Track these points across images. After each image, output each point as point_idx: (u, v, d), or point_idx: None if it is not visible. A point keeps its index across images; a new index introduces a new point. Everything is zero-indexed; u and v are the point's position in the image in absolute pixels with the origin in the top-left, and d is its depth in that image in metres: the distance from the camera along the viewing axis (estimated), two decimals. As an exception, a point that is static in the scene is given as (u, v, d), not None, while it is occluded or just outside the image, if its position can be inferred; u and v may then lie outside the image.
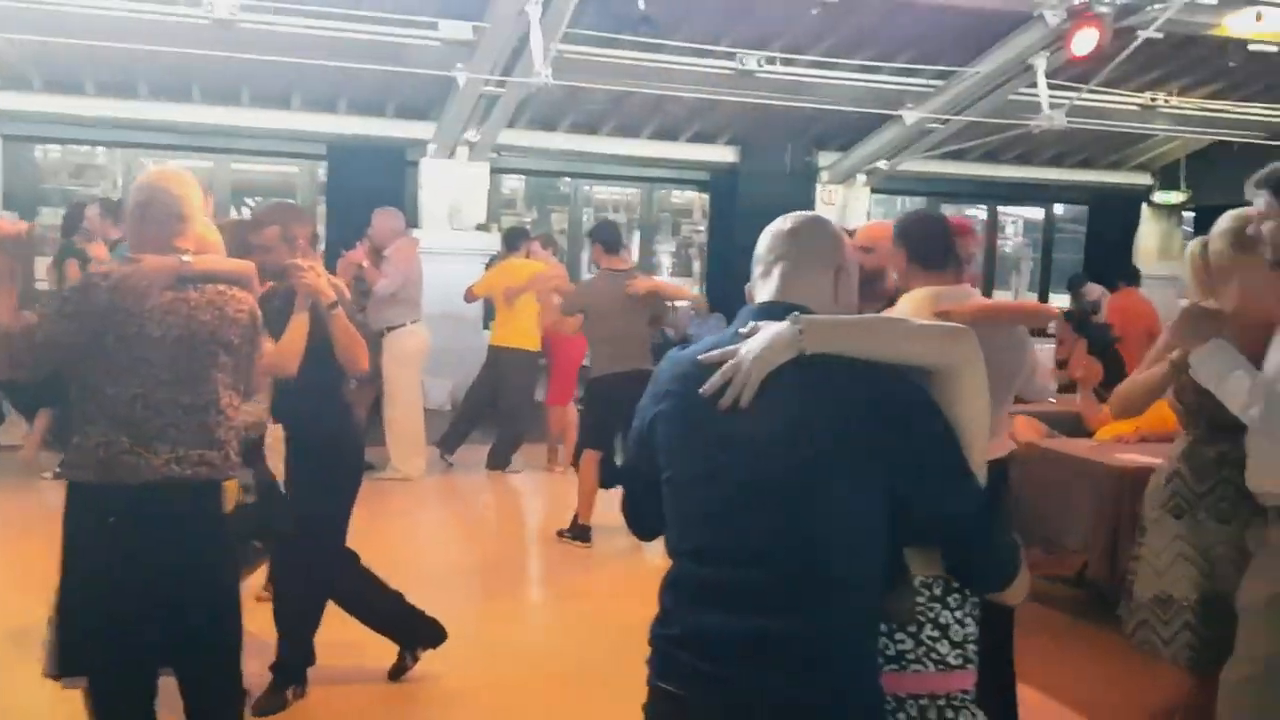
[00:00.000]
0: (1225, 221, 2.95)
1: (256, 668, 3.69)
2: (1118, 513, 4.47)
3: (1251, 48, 9.28)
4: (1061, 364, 8.74)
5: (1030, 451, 5.46)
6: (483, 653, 4.44)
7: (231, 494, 2.82)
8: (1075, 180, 12.48)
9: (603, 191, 14.38)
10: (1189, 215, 12.61)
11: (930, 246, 3.12)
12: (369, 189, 9.27)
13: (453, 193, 10.26)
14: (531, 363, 7.97)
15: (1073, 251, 13.34)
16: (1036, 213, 14.15)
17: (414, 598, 4.09)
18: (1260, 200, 2.65)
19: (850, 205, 11.46)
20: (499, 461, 7.93)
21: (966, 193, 13.39)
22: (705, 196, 12.70)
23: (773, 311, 1.75)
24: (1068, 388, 7.43)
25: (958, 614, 1.71)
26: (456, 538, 6.60)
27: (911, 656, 1.71)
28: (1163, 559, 2.96)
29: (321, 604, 3.91)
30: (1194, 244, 3.05)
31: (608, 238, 6.47)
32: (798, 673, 1.61)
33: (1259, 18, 8.66)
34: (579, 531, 6.05)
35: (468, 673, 4.22)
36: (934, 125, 10.38)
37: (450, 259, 10.13)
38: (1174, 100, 10.51)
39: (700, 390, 1.69)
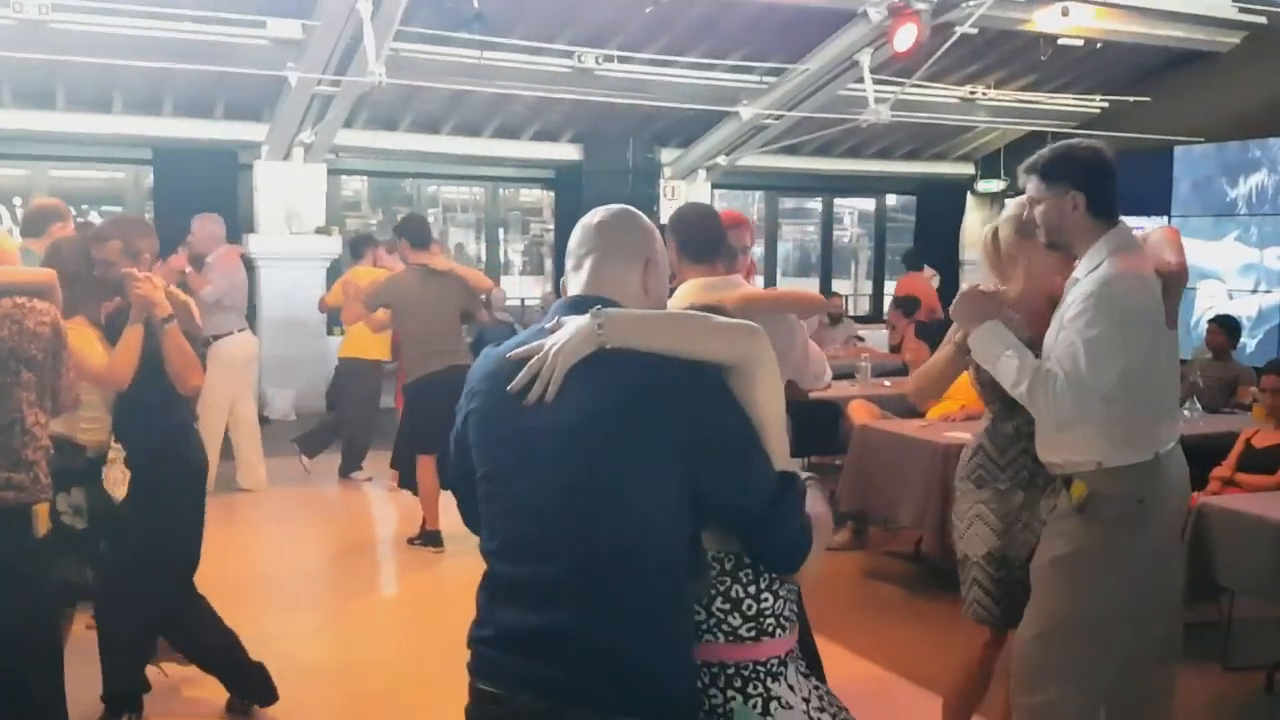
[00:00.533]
0: (1010, 208, 3.06)
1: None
2: (945, 488, 4.69)
3: (1060, 42, 9.84)
4: (894, 348, 9.15)
5: (866, 433, 5.71)
6: (329, 667, 4.37)
7: (42, 518, 2.69)
8: (903, 172, 12.99)
9: (450, 191, 14.25)
10: (1010, 202, 13.27)
11: (700, 238, 3.14)
12: (200, 193, 8.95)
13: (289, 196, 10.02)
14: (371, 371, 7.82)
15: (905, 239, 13.87)
16: (869, 203, 14.66)
17: (253, 611, 3.99)
18: (1030, 185, 2.78)
19: (693, 200, 11.66)
20: (347, 469, 7.81)
21: (803, 186, 13.80)
22: (552, 194, 12.74)
23: (581, 305, 1.75)
24: (901, 371, 7.78)
25: (750, 589, 1.76)
26: (299, 549, 6.44)
27: (704, 627, 1.76)
28: (963, 522, 3.08)
29: (150, 633, 3.73)
30: (987, 229, 3.15)
31: (413, 232, 6.20)
32: (600, 665, 1.63)
33: (1065, 13, 9.19)
34: (429, 537, 5.95)
35: (315, 691, 4.14)
36: (769, 121, 10.64)
37: (289, 264, 9.92)
38: (992, 93, 11.04)
39: (508, 387, 1.69)
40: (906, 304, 9.09)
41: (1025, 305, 2.87)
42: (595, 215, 1.89)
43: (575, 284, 1.85)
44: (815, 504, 1.79)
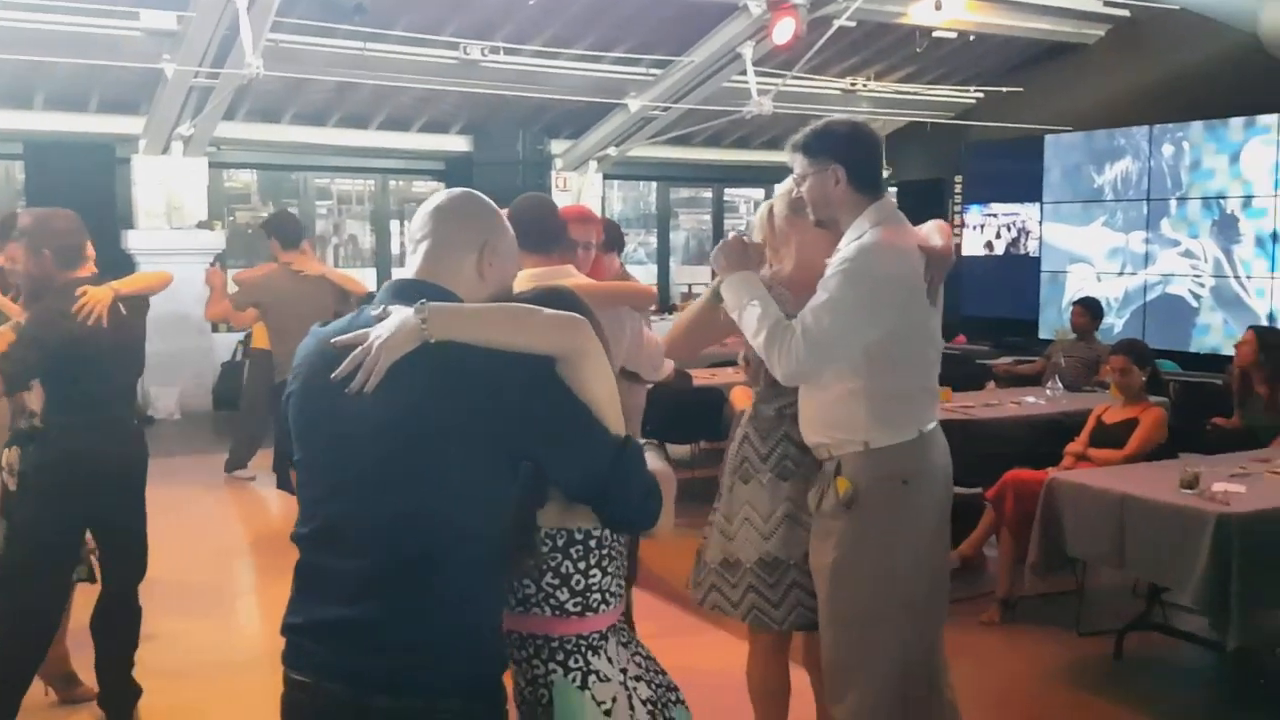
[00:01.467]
0: (784, 184, 3.00)
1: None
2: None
3: (935, 35, 10.16)
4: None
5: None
6: (202, 670, 4.33)
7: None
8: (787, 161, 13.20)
9: (344, 184, 14.07)
10: (892, 190, 13.64)
11: (534, 228, 3.12)
12: (74, 189, 8.66)
13: (169, 190, 9.80)
14: (268, 362, 7.70)
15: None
16: (759, 193, 14.90)
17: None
18: (796, 162, 2.76)
19: (585, 191, 11.74)
20: (234, 464, 7.69)
21: (693, 176, 13.95)
22: (443, 186, 12.67)
23: (408, 291, 1.74)
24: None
25: (580, 565, 1.82)
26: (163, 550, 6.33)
27: (532, 600, 1.82)
28: (733, 525, 2.93)
29: (34, 654, 3.46)
30: (763, 207, 3.07)
31: (282, 230, 6.01)
32: (407, 656, 1.65)
33: (938, 7, 9.47)
34: None
35: (181, 693, 4.10)
36: (657, 112, 10.76)
37: (171, 259, 9.68)
38: (872, 85, 11.33)
39: (331, 375, 1.68)
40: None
41: (797, 283, 2.83)
42: (434, 200, 1.87)
43: (408, 268, 1.83)
44: (655, 463, 1.85)
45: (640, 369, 3.42)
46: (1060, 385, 6.43)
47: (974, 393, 6.68)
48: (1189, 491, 3.97)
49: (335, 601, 1.66)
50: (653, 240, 14.63)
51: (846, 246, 2.69)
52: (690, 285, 14.23)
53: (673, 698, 1.90)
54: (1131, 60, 10.35)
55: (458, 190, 1.91)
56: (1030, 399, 6.24)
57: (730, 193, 15.34)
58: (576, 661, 1.81)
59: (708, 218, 15.09)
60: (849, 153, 2.73)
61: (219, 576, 5.82)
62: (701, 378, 7.34)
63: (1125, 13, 10.31)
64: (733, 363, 8.06)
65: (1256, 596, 3.71)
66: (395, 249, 12.76)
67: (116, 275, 3.66)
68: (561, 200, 6.24)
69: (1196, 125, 9.79)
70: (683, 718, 1.89)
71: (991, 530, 5.12)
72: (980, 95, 11.69)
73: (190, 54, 8.31)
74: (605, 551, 1.85)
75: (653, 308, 9.11)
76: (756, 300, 2.67)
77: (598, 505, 1.76)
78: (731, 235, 2.80)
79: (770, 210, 3.00)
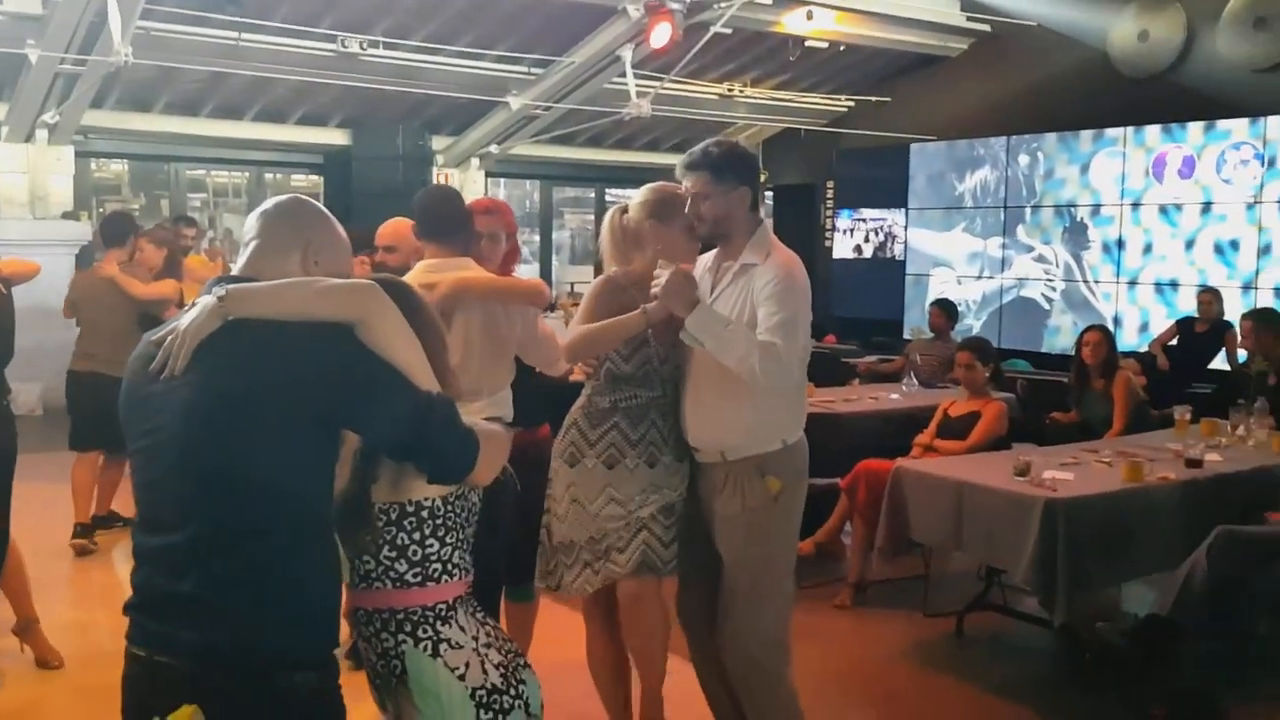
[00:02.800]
0: (645, 193, 3.15)
1: None
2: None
3: (808, 44, 10.48)
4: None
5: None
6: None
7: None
8: (671, 164, 13.30)
9: (221, 176, 13.75)
10: (769, 194, 14.00)
11: (433, 218, 3.23)
12: (-69, 175, 8.40)
13: (32, 179, 9.50)
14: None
15: (678, 229, 14.37)
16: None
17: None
18: (695, 179, 2.93)
19: (466, 188, 11.74)
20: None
21: (576, 176, 14.08)
22: (321, 179, 12.53)
23: (225, 284, 1.82)
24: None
25: (415, 535, 1.89)
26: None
27: (374, 575, 1.90)
28: (562, 506, 3.13)
29: None
30: (613, 211, 3.21)
31: (105, 229, 6.08)
32: (233, 627, 1.70)
33: (810, 16, 9.80)
34: (80, 530, 5.81)
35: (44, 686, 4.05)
36: (538, 111, 10.85)
37: (34, 250, 9.35)
38: (748, 91, 11.63)
39: (149, 368, 1.76)
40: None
41: (644, 283, 3.00)
42: (265, 204, 1.97)
43: (237, 267, 1.92)
44: (489, 425, 1.96)
45: (535, 363, 3.43)
46: (915, 382, 6.75)
47: (836, 389, 6.96)
48: (1021, 479, 4.25)
49: (162, 578, 1.74)
50: (536, 239, 14.70)
51: (767, 263, 2.92)
52: (573, 284, 14.35)
53: (521, 661, 1.99)
54: (991, 73, 10.86)
55: (287, 196, 2.01)
56: (887, 394, 6.54)
57: (613, 193, 15.50)
58: (426, 632, 1.89)
59: (591, 217, 15.23)
60: (753, 177, 3.02)
61: (70, 570, 5.71)
62: (576, 372, 7.46)
63: (986, 28, 10.79)
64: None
65: (1080, 576, 3.99)
66: (240, 262, 12.51)
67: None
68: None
69: (1050, 137, 10.34)
70: (531, 679, 1.98)
71: (846, 518, 5.37)
72: (851, 104, 12.09)
73: (56, 39, 8.09)
74: (440, 521, 1.92)
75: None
76: (732, 324, 2.87)
77: (414, 458, 1.83)
78: (672, 271, 2.90)
79: (621, 214, 3.18)
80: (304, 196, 2.02)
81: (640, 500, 3.06)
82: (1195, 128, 9.33)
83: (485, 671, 1.89)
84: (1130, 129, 9.73)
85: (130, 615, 1.77)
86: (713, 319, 2.87)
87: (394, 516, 1.91)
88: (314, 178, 12.92)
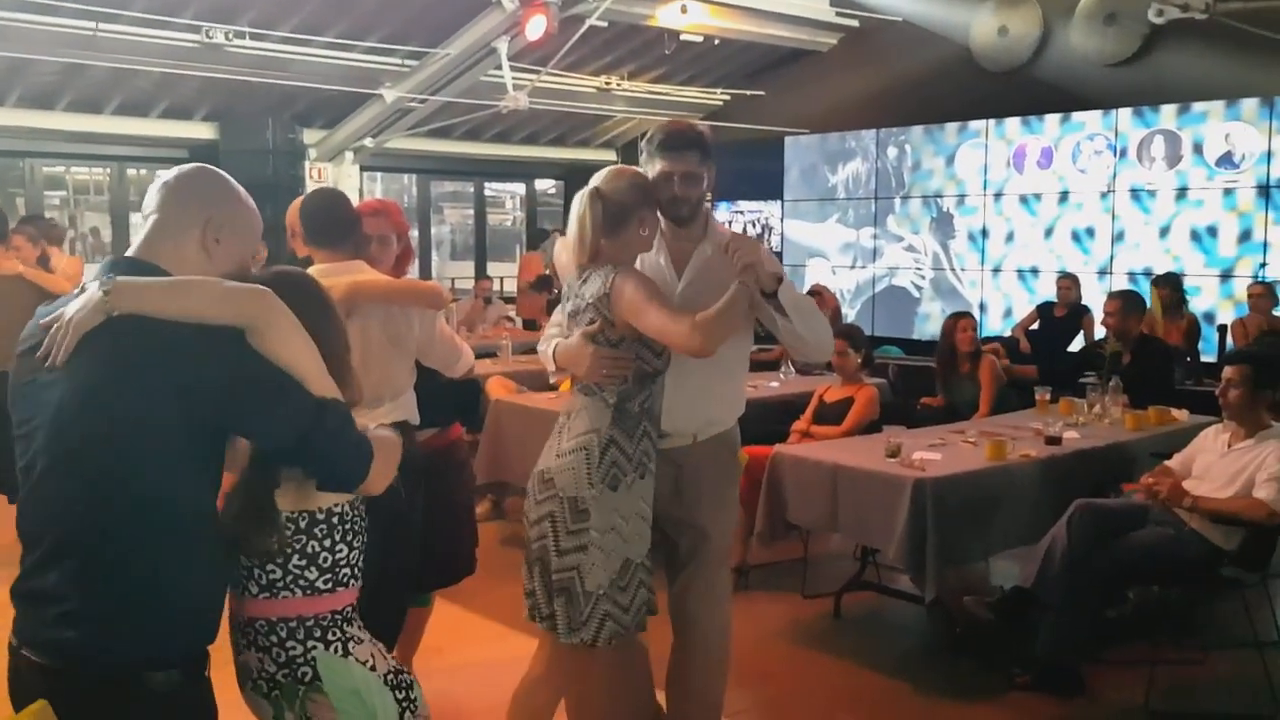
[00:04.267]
0: (632, 177, 2.87)
1: None
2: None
3: (683, 38, 10.57)
4: (528, 323, 9.60)
5: (500, 406, 6.02)
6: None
7: None
8: (551, 157, 13.43)
9: (81, 173, 13.20)
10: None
11: (323, 223, 3.15)
12: None
13: None
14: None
15: (557, 222, 14.36)
16: (520, 188, 15.04)
17: None
18: (687, 160, 2.83)
19: (341, 182, 11.50)
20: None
21: (454, 170, 13.94)
22: (187, 175, 12.12)
23: (121, 268, 1.76)
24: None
25: (325, 543, 1.87)
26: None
27: (281, 584, 1.86)
28: (608, 539, 2.77)
29: None
30: (589, 196, 2.84)
31: None
32: (105, 624, 1.67)
33: (684, 10, 9.89)
34: None
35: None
36: (413, 104, 10.70)
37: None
38: (626, 84, 11.67)
39: (36, 354, 1.71)
40: (539, 283, 9.60)
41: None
42: (167, 174, 1.88)
43: (132, 246, 1.84)
44: (384, 433, 1.94)
45: (435, 365, 3.35)
46: (793, 369, 6.88)
47: (716, 378, 7.05)
48: (892, 460, 4.39)
49: (35, 572, 1.71)
50: (415, 234, 14.51)
51: (722, 240, 2.88)
52: (454, 280, 14.20)
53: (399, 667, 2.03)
54: (860, 68, 11.12)
55: (191, 165, 1.91)
56: (766, 382, 6.66)
57: (492, 186, 15.40)
58: (335, 634, 1.89)
59: (471, 212, 15.10)
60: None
61: None
62: (457, 374, 7.40)
63: (855, 23, 11.04)
64: (492, 354, 8.17)
65: (948, 552, 4.13)
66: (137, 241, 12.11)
67: None
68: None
69: (917, 129, 10.65)
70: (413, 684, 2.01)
71: (727, 505, 5.45)
72: (727, 98, 12.24)
73: (-107, 28, 7.66)
74: (349, 526, 1.91)
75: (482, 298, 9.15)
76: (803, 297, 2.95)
77: (305, 462, 1.80)
78: (753, 241, 2.85)
79: (598, 202, 2.81)
80: (210, 168, 1.92)
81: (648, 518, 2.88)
82: (1052, 120, 9.73)
83: (385, 658, 1.95)
84: (992, 121, 10.09)
85: (14, 604, 1.74)
86: (793, 290, 2.88)
87: (303, 525, 1.87)
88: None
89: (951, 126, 10.40)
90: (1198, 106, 8.86)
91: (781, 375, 6.86)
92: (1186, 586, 4.20)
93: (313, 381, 1.77)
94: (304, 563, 1.85)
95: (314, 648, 1.86)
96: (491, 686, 3.41)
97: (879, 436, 5.01)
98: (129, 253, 1.83)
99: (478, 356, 7.94)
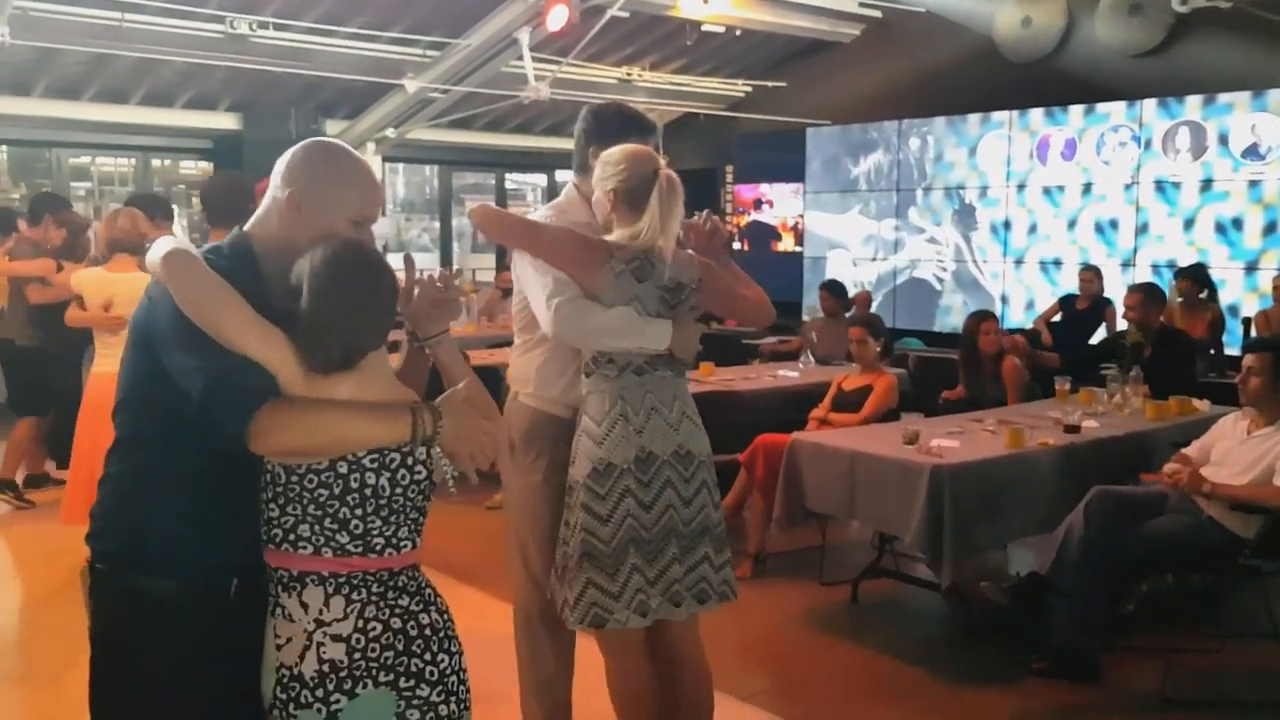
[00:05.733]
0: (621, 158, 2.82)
1: None
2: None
3: (705, 29, 10.56)
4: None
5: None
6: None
7: None
8: (571, 149, 13.37)
9: (107, 164, 13.30)
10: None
11: (225, 203, 3.44)
12: None
13: (-97, 165, 9.08)
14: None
15: (577, 214, 14.36)
16: (541, 179, 15.06)
17: None
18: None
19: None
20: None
21: (475, 160, 13.96)
22: (211, 166, 12.22)
23: (235, 239, 2.03)
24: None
25: (265, 495, 1.88)
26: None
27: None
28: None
29: None
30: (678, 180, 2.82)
31: None
32: (122, 541, 1.91)
33: (706, 1, 9.88)
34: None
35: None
36: (435, 95, 10.74)
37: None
38: (647, 75, 11.67)
39: None
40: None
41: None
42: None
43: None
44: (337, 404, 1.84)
45: None
46: (812, 359, 6.89)
47: (737, 367, 7.07)
48: (910, 447, 4.40)
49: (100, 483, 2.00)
50: (436, 225, 14.55)
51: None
52: (475, 271, 14.24)
53: (381, 677, 1.82)
54: (883, 58, 11.09)
55: (307, 140, 2.04)
56: (784, 372, 6.67)
57: (513, 178, 15.43)
58: (272, 590, 1.88)
59: (491, 204, 15.15)
60: None
61: None
62: (479, 358, 7.45)
63: (877, 13, 11.00)
64: (509, 343, 8.18)
65: (965, 539, 4.14)
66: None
67: None
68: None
69: (939, 120, 10.61)
70: (371, 704, 1.81)
71: (746, 492, 5.47)
72: (749, 89, 12.23)
73: (-76, 18, 7.74)
74: (280, 489, 1.86)
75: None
76: None
77: (195, 409, 1.79)
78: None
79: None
80: (323, 141, 2.04)
81: None
82: (1076, 111, 9.67)
83: (301, 658, 1.81)
84: (1015, 113, 10.04)
85: None
86: None
87: (262, 472, 1.89)
88: (204, 164, 12.59)
89: (974, 118, 10.36)
90: (1223, 97, 8.79)
91: (800, 365, 6.86)
92: (1205, 574, 4.19)
93: (226, 334, 1.80)
94: (261, 507, 1.93)
95: (280, 594, 1.89)
96: (499, 669, 3.43)
97: (897, 424, 5.02)
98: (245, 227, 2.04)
99: (497, 346, 8.04)
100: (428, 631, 1.87)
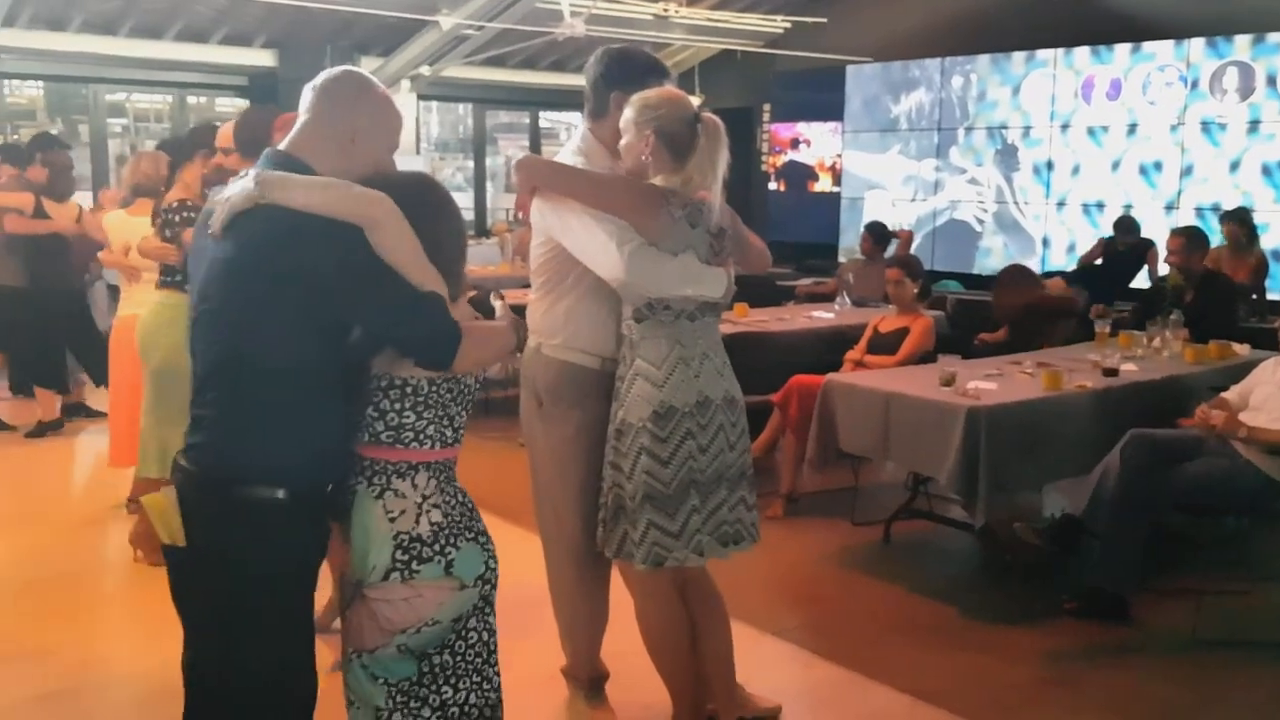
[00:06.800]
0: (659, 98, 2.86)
1: None
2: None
3: (744, -38, 10.37)
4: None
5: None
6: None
7: None
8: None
9: (143, 101, 13.34)
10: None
11: (256, 137, 3.49)
12: None
13: (-57, 100, 9.16)
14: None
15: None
16: (575, 118, 14.93)
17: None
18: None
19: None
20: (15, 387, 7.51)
21: (509, 99, 13.88)
22: (247, 103, 12.21)
23: (271, 160, 2.08)
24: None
25: (395, 405, 2.11)
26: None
27: (362, 430, 2.13)
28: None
29: None
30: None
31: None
32: (236, 445, 2.03)
33: (745, -64, 9.70)
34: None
35: None
36: (470, 31, 10.65)
37: (-52, 174, 9.11)
38: (684, 11, 11.49)
39: (208, 223, 2.06)
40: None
41: None
42: (320, 76, 2.14)
43: (283, 144, 2.13)
44: (483, 325, 2.18)
45: None
46: (848, 301, 6.85)
47: (770, 309, 7.05)
48: (946, 389, 4.38)
49: (194, 398, 2.08)
50: (470, 165, 14.51)
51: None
52: (508, 211, 14.22)
53: (469, 535, 2.16)
54: (925, -5, 10.87)
55: (339, 69, 2.16)
56: (819, 313, 6.64)
57: (547, 116, 15.32)
58: (379, 480, 2.12)
59: (525, 143, 15.05)
60: None
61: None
62: (514, 297, 7.45)
63: (922, -52, 10.76)
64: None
65: (1000, 480, 4.13)
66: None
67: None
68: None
69: (983, 59, 10.41)
70: (470, 552, 2.15)
71: (779, 432, 5.48)
72: (788, 25, 12.02)
73: (-38, -48, 7.76)
74: (421, 399, 2.13)
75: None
76: None
77: (396, 342, 2.06)
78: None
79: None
80: (358, 73, 2.16)
81: None
82: (1122, 50, 9.46)
83: (417, 523, 2.10)
84: (1060, 51, 9.83)
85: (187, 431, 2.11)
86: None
87: (383, 385, 2.11)
88: (239, 101, 12.60)
89: (1019, 56, 10.16)
90: (1272, 37, 8.56)
91: (836, 306, 6.83)
92: (1239, 517, 4.17)
93: (415, 275, 2.02)
94: (374, 415, 2.12)
95: (359, 483, 2.13)
96: (531, 604, 3.49)
97: (933, 366, 5.00)
98: (281, 146, 2.12)
99: (530, 286, 8.05)
100: (470, 505, 2.23)
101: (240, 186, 2.00)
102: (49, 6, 9.29)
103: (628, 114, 2.82)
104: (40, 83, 12.39)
